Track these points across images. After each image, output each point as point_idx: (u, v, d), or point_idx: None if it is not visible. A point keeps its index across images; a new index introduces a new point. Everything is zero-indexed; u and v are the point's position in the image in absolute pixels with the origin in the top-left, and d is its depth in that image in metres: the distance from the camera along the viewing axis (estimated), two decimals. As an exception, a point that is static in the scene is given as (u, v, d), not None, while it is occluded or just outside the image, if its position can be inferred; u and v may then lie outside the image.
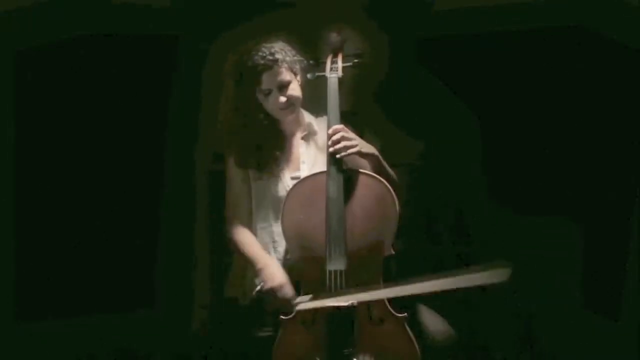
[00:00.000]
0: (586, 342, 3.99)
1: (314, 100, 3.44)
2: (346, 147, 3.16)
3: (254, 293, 3.42)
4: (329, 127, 3.20)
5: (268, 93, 3.34)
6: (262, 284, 3.29)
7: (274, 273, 3.23)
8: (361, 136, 3.31)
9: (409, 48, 4.19)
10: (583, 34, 4.01)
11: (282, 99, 3.33)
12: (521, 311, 4.13)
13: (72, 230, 4.21)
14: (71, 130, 4.19)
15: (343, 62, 3.34)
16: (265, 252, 3.38)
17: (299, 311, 3.11)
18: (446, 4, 4.17)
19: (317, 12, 4.02)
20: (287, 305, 3.15)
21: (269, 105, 3.37)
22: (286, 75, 3.33)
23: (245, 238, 3.43)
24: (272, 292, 3.19)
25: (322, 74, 3.33)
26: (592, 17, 3.98)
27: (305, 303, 3.11)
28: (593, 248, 4.07)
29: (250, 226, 3.48)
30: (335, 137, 3.17)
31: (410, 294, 2.95)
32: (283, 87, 3.33)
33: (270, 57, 3.30)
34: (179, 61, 4.23)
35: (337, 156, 3.15)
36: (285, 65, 3.33)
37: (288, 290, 3.18)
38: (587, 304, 4.07)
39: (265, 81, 3.31)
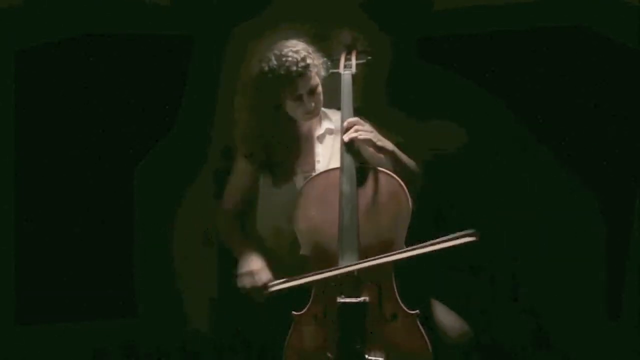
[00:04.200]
0: (596, 343, 4.02)
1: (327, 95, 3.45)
2: (361, 135, 3.18)
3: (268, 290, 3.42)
4: (342, 122, 3.22)
5: (298, 99, 3.32)
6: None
7: (251, 259, 3.27)
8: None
9: (409, 47, 4.19)
10: (583, 33, 4.03)
11: (312, 104, 3.32)
12: (532, 309, 4.15)
13: (73, 233, 4.20)
14: (72, 131, 4.17)
15: (357, 59, 3.36)
16: (247, 241, 3.40)
17: (311, 306, 3.12)
18: (446, 3, 4.17)
19: (317, 11, 4.02)
20: (261, 290, 3.19)
21: (296, 110, 3.35)
22: (315, 80, 3.33)
23: (233, 229, 3.47)
24: (246, 278, 3.22)
25: (336, 70, 3.35)
26: (592, 17, 4.00)
27: (278, 285, 3.18)
28: (593, 247, 4.09)
29: (243, 220, 3.51)
30: (350, 127, 3.20)
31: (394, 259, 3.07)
32: (313, 92, 3.32)
33: (302, 63, 3.27)
34: (180, 60, 4.21)
35: (351, 137, 3.18)
36: (315, 69, 3.32)
37: (263, 275, 3.21)
38: (591, 305, 4.09)
39: (298, 87, 3.28)
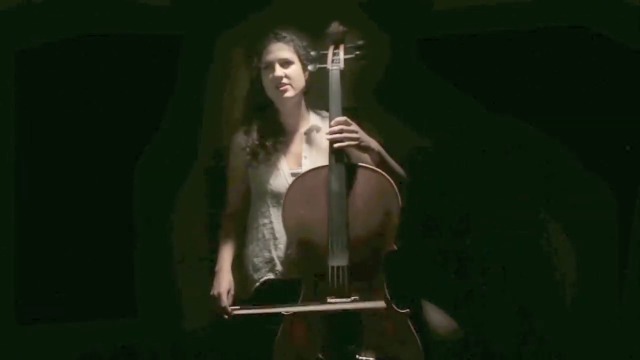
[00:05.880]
0: (587, 338, 4.00)
1: (316, 92, 3.47)
2: (346, 138, 3.16)
3: (253, 289, 3.44)
4: (330, 119, 3.20)
5: (269, 66, 3.38)
6: (264, 276, 3.41)
7: (221, 279, 3.40)
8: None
9: (409, 47, 4.18)
10: (584, 34, 4.01)
11: (280, 72, 3.36)
12: (522, 306, 4.14)
13: (73, 233, 4.20)
14: (72, 131, 4.18)
15: (345, 54, 3.33)
16: (228, 256, 3.48)
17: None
18: (446, 3, 4.16)
19: (316, 11, 4.01)
20: (221, 312, 3.32)
21: (269, 82, 3.39)
22: (290, 55, 3.41)
23: (223, 237, 3.53)
24: (212, 299, 3.36)
25: (324, 66, 3.32)
26: (593, 17, 3.98)
27: (241, 310, 3.25)
28: (592, 246, 4.07)
29: (244, 223, 3.53)
30: (335, 128, 3.17)
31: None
32: (285, 64, 3.38)
33: (280, 33, 3.42)
34: (179, 60, 4.21)
35: (335, 145, 3.15)
36: (292, 45, 3.41)
37: (222, 301, 3.33)
38: (588, 300, 4.07)
39: (269, 52, 3.39)
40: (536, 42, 4.12)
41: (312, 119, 3.51)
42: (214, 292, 3.36)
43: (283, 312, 3.13)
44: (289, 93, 3.40)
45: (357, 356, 3.04)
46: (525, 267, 4.11)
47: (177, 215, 4.24)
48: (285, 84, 3.38)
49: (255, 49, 3.43)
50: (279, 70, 3.37)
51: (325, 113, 3.47)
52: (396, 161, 3.36)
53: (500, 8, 4.10)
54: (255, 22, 4.01)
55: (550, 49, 4.10)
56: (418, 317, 3.16)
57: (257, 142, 3.45)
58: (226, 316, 3.29)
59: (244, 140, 3.49)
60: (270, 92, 3.43)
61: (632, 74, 3.97)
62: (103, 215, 4.22)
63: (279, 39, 3.41)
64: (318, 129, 3.48)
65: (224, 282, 3.38)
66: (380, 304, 3.01)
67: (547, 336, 4.08)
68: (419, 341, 3.04)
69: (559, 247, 4.10)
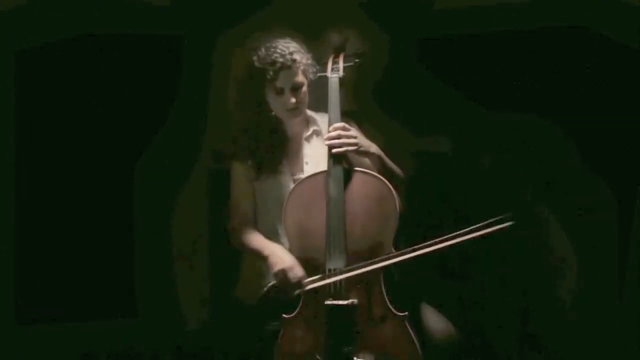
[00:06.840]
0: (587, 338, 4.00)
1: (315, 99, 3.45)
2: (344, 144, 3.16)
3: (264, 290, 3.41)
4: (329, 126, 3.21)
5: (280, 92, 3.32)
6: (271, 281, 3.33)
7: (281, 256, 3.21)
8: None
9: (408, 47, 4.18)
10: (584, 34, 4.00)
11: (293, 100, 3.32)
12: (520, 307, 4.13)
13: (73, 233, 4.20)
14: (72, 131, 4.18)
15: (344, 62, 3.33)
16: (270, 241, 3.35)
17: (301, 309, 3.12)
18: (446, 3, 4.16)
19: (317, 11, 4.01)
20: (298, 285, 3.12)
21: (278, 105, 3.36)
22: (301, 77, 3.34)
23: (249, 235, 3.43)
24: (282, 274, 3.14)
25: (324, 74, 3.33)
26: (593, 17, 3.98)
27: (315, 281, 3.11)
28: (592, 246, 4.07)
29: (256, 226, 3.49)
30: (333, 134, 3.18)
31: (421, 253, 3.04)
32: (296, 88, 3.33)
33: (290, 57, 3.30)
34: (179, 60, 4.21)
35: (333, 151, 3.16)
36: (302, 67, 3.34)
37: (298, 271, 3.14)
38: (588, 300, 4.07)
39: (281, 80, 3.30)
40: (536, 42, 4.11)
41: (312, 124, 3.52)
42: (283, 266, 3.13)
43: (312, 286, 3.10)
44: (297, 117, 3.41)
45: (354, 358, 3.04)
46: (524, 268, 4.11)
47: (177, 215, 4.23)
48: (295, 110, 3.35)
49: (265, 76, 3.30)
50: (289, 99, 3.32)
51: (323, 114, 3.46)
52: (397, 165, 3.37)
53: (500, 8, 4.09)
54: (255, 22, 4.00)
55: (550, 49, 4.10)
56: (417, 320, 3.16)
57: (260, 162, 3.44)
58: (297, 290, 3.12)
59: (247, 159, 3.46)
60: (279, 112, 3.39)
61: (632, 74, 3.96)
62: (103, 215, 4.22)
63: (289, 65, 3.30)
64: (319, 133, 3.48)
65: (286, 255, 3.20)
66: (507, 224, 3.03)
67: (547, 337, 4.08)
68: (417, 344, 3.04)
69: (559, 248, 4.09)
